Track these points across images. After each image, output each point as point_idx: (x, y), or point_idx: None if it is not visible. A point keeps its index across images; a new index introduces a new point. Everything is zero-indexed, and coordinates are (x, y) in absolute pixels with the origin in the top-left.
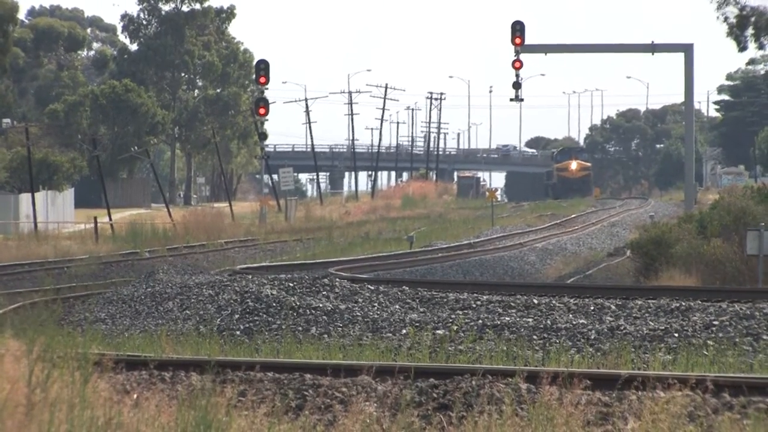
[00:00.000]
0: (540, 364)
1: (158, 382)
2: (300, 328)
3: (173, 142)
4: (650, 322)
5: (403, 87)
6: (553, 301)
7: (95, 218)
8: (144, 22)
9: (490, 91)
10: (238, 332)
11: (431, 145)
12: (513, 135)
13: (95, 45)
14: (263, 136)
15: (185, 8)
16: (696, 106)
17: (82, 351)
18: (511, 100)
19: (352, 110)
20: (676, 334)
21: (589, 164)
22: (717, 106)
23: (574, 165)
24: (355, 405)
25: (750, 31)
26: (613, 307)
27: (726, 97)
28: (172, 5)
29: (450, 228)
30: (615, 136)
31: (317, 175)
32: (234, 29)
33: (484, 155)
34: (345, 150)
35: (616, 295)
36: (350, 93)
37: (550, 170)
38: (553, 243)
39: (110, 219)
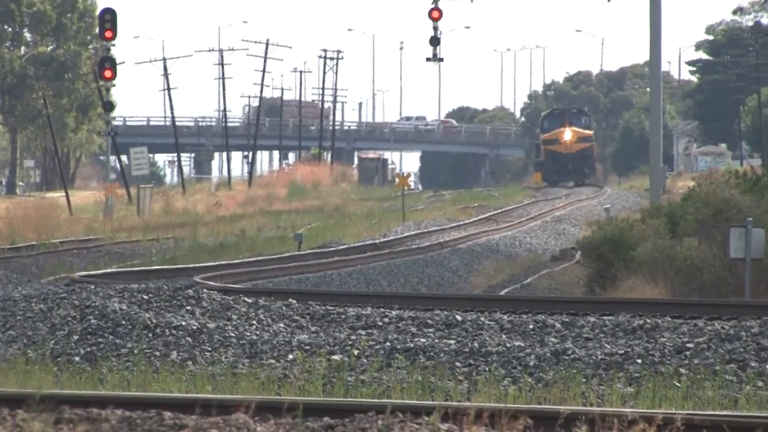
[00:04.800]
0: (464, 399)
1: None
2: (157, 353)
3: None
4: (606, 345)
5: (290, 43)
6: (482, 318)
7: None
8: None
9: (401, 49)
10: (77, 358)
11: (325, 117)
12: (431, 104)
13: None
14: (110, 105)
15: None
16: (665, 67)
17: None
18: (428, 60)
19: (223, 73)
20: (640, 360)
21: (590, 133)
22: (692, 68)
23: (567, 135)
24: None
25: None
26: (559, 326)
27: (704, 56)
28: None
29: (350, 224)
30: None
31: (179, 157)
32: None
33: (394, 129)
34: (214, 124)
35: (562, 309)
36: (221, 51)
37: (537, 143)
38: (482, 243)
39: None
